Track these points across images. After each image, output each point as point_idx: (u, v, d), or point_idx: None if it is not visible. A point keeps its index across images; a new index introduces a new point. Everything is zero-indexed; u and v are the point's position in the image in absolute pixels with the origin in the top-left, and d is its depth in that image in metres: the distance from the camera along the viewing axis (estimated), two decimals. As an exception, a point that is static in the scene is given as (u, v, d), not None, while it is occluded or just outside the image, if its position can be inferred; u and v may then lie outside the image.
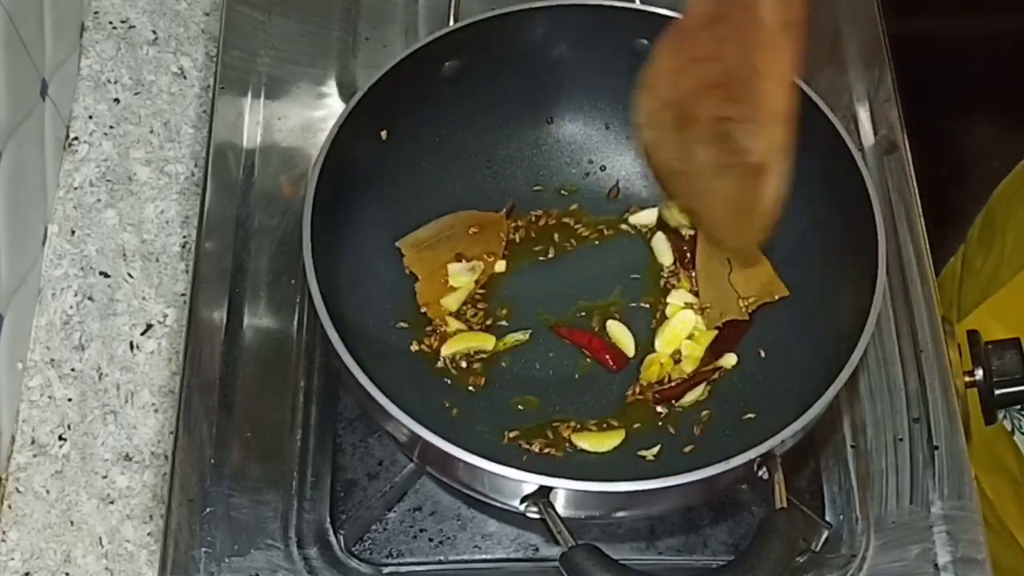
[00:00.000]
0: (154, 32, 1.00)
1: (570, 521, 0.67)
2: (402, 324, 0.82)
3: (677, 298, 0.84)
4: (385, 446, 0.81)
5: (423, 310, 0.83)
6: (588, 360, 0.82)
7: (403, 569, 0.78)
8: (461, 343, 0.81)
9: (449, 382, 0.81)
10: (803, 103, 0.78)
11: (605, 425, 0.79)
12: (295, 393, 0.81)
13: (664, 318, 0.84)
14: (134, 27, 1.00)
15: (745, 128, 0.76)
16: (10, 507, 0.82)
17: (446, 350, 0.81)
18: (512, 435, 0.78)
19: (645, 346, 0.83)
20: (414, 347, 0.81)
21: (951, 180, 1.54)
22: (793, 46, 0.73)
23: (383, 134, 0.82)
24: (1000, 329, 1.03)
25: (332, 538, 0.78)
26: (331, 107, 0.92)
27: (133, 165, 0.94)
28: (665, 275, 0.86)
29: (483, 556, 0.78)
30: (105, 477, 0.83)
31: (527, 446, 0.78)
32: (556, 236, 0.87)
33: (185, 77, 0.98)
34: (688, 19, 0.78)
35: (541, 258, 0.86)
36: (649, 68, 0.80)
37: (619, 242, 0.87)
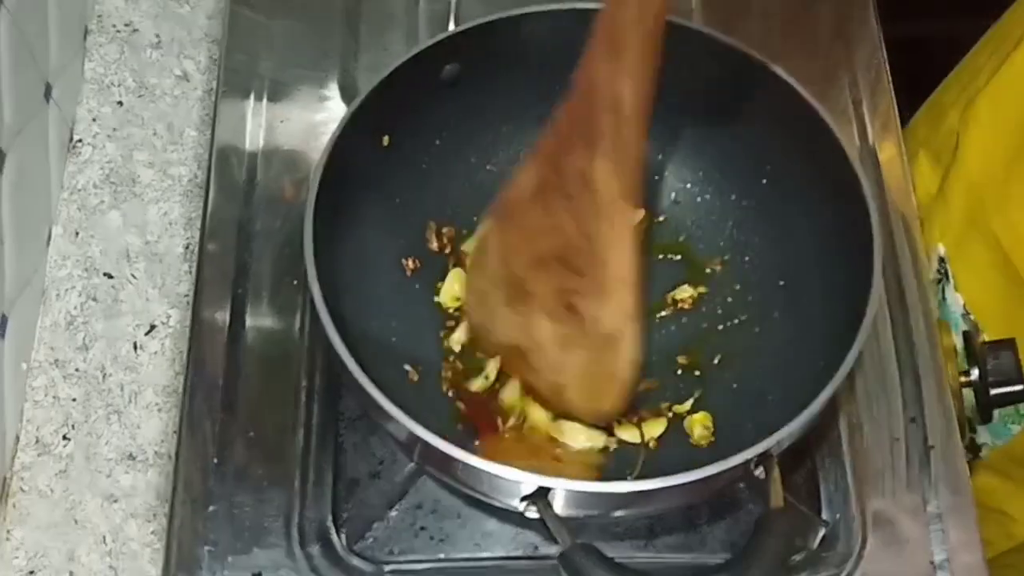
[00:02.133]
0: (157, 35, 1.00)
1: (569, 520, 0.68)
2: (403, 324, 0.83)
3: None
4: (386, 445, 0.81)
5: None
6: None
7: (404, 567, 0.78)
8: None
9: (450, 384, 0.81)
10: (799, 106, 0.79)
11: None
12: (297, 393, 0.82)
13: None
14: (137, 31, 1.00)
15: (590, 299, 0.74)
16: (14, 506, 0.82)
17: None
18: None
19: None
20: (415, 348, 0.82)
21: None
22: (632, 212, 0.71)
23: (385, 140, 0.83)
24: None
25: (334, 536, 0.78)
26: (333, 110, 0.92)
27: (137, 167, 0.95)
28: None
29: (483, 554, 0.79)
30: (109, 476, 0.83)
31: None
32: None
33: (188, 80, 0.99)
34: (516, 192, 0.75)
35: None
36: (475, 247, 0.79)
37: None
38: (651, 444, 0.79)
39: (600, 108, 0.69)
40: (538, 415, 0.79)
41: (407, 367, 0.80)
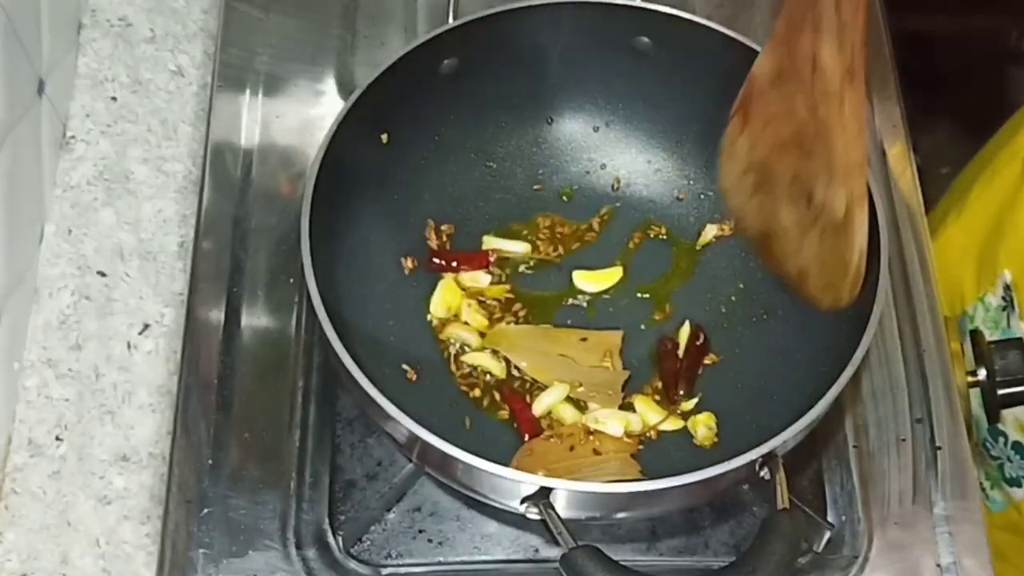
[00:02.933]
0: (152, 30, 1.00)
1: (570, 522, 0.67)
2: (401, 323, 0.82)
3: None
4: (384, 446, 0.81)
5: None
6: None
7: (402, 570, 0.77)
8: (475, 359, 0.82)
9: (449, 383, 0.81)
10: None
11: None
12: (293, 393, 0.81)
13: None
14: (132, 25, 1.00)
15: (823, 182, 0.75)
16: (7, 508, 0.81)
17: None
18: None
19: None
20: (414, 346, 0.81)
21: (954, 178, 1.54)
22: (858, 94, 0.72)
23: (383, 137, 0.82)
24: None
25: (331, 539, 0.77)
26: (329, 105, 0.92)
27: (131, 164, 0.94)
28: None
29: (483, 557, 0.78)
30: (102, 478, 0.83)
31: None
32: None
33: (183, 75, 0.98)
34: (757, 78, 0.77)
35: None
36: (728, 132, 0.80)
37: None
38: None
39: None
40: (568, 413, 0.79)
41: (405, 367, 0.80)
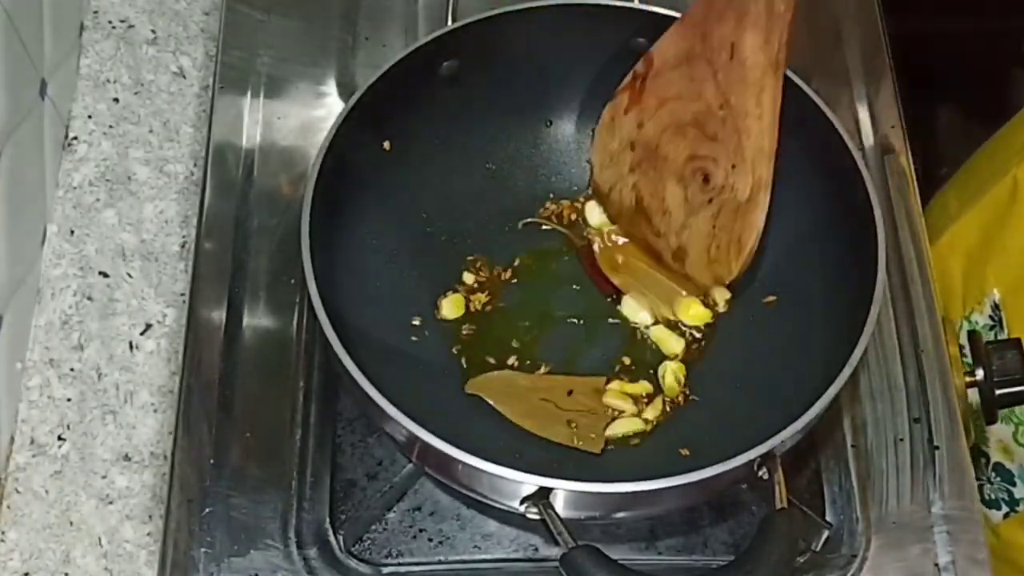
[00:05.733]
0: (153, 31, 1.00)
1: (570, 522, 0.67)
2: (400, 323, 0.82)
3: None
4: (384, 446, 0.81)
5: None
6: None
7: (402, 569, 0.78)
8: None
9: (449, 383, 0.81)
10: (803, 103, 0.79)
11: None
12: (294, 393, 0.81)
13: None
14: (133, 26, 1.00)
15: (726, 166, 0.76)
16: (9, 507, 0.82)
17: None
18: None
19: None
20: (413, 347, 0.81)
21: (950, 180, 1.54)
22: (777, 85, 0.74)
23: (383, 138, 0.82)
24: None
25: (332, 538, 0.77)
26: (330, 106, 0.92)
27: (132, 165, 0.94)
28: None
29: (483, 556, 0.78)
30: (104, 477, 0.83)
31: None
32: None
33: (184, 77, 0.98)
34: (658, 58, 0.77)
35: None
36: (610, 108, 0.81)
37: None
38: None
39: None
40: None
41: (405, 366, 0.79)
